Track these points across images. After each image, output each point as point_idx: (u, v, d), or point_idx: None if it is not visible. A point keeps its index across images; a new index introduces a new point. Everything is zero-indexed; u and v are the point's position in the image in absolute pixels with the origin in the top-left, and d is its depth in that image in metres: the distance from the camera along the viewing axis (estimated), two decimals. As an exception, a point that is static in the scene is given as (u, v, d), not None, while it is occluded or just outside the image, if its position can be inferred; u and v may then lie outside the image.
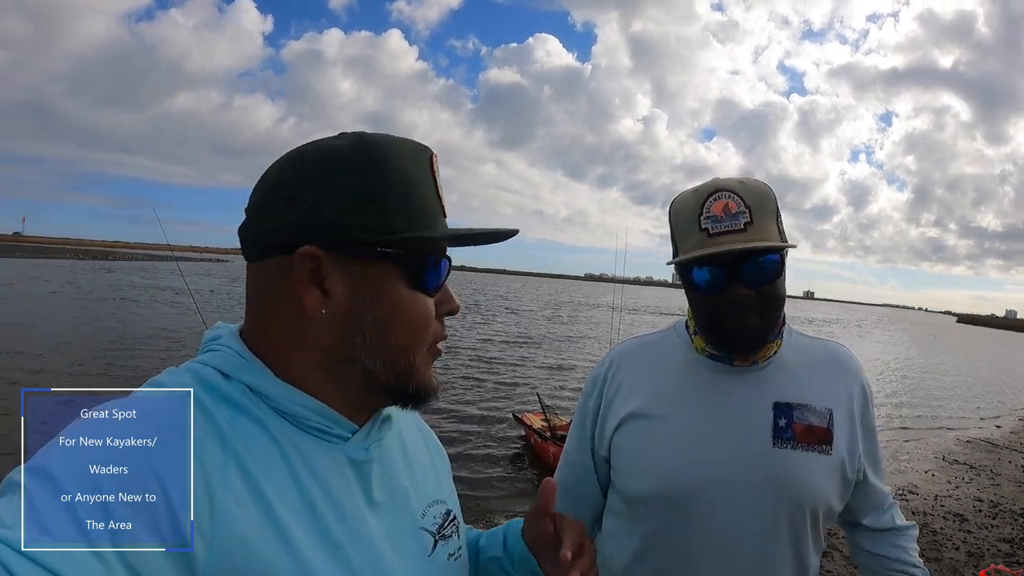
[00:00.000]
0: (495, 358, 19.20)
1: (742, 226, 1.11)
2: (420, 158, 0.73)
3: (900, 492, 8.20)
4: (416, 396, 0.74)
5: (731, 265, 1.12)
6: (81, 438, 0.57)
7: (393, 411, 0.81)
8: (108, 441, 0.57)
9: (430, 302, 0.73)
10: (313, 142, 0.73)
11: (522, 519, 0.94)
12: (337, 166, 0.69)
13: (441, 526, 0.82)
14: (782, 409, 1.18)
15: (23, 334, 15.95)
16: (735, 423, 1.18)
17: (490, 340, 23.92)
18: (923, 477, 9.22)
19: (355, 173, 0.69)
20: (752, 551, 1.15)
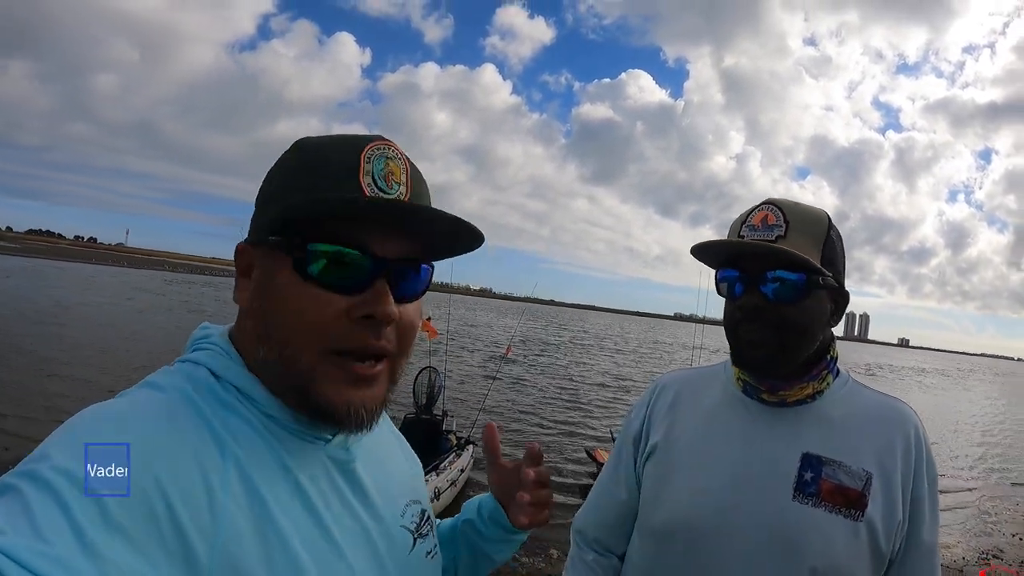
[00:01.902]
0: (575, 393, 19.24)
1: (773, 237, 1.09)
2: (347, 150, 0.70)
3: (983, 556, 7.77)
4: (324, 412, 0.67)
5: (753, 271, 1.10)
6: (77, 440, 0.55)
7: None
8: (105, 443, 0.55)
9: (330, 298, 0.66)
10: None
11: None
12: (270, 170, 0.74)
13: (419, 525, 0.83)
14: (811, 462, 1.09)
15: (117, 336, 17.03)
16: (757, 467, 1.12)
17: (571, 375, 23.93)
18: (1010, 540, 8.69)
19: (275, 173, 0.73)
20: None
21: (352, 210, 0.67)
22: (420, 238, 0.72)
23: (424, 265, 0.75)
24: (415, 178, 0.73)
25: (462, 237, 0.75)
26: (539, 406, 15.43)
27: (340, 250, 0.67)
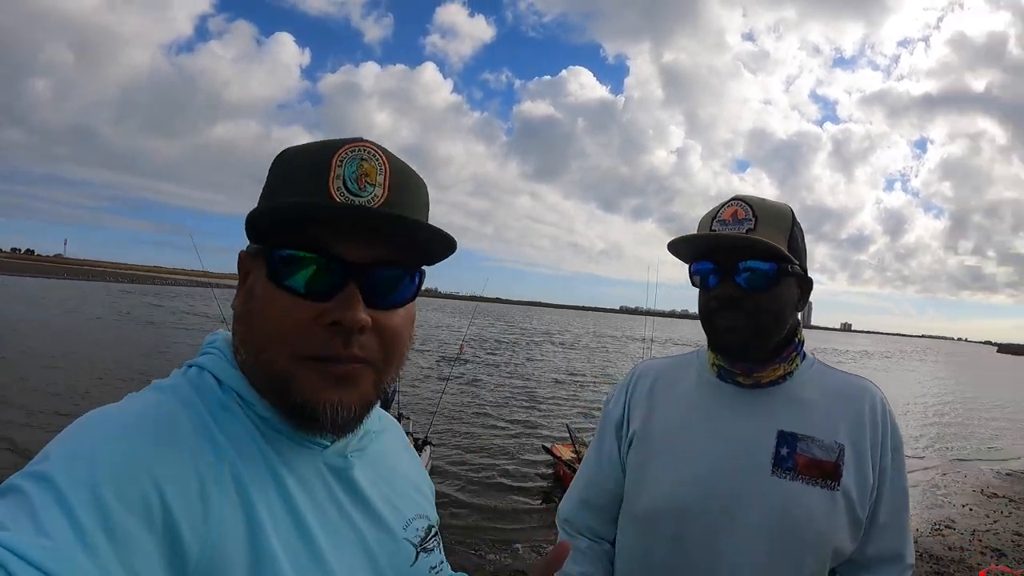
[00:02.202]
0: (526, 389, 19.24)
1: (744, 231, 1.15)
2: (319, 156, 0.69)
3: (936, 527, 8.03)
4: (303, 411, 0.67)
5: (725, 263, 1.16)
6: (80, 441, 0.57)
7: (377, 427, 0.83)
8: (106, 443, 0.57)
9: (296, 302, 0.66)
10: None
11: None
12: (269, 177, 0.74)
13: (424, 539, 0.82)
14: (786, 438, 1.16)
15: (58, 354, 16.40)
16: (736, 446, 1.18)
17: (521, 372, 23.98)
18: (960, 511, 9.01)
19: (264, 184, 0.74)
20: (754, 572, 1.14)
21: (309, 214, 0.66)
22: (400, 242, 0.70)
23: (413, 271, 0.74)
24: (396, 180, 0.71)
25: (434, 242, 0.72)
26: (494, 406, 15.30)
27: (302, 255, 0.67)
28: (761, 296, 1.15)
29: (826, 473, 1.15)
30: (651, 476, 1.24)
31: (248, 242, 0.73)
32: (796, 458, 1.15)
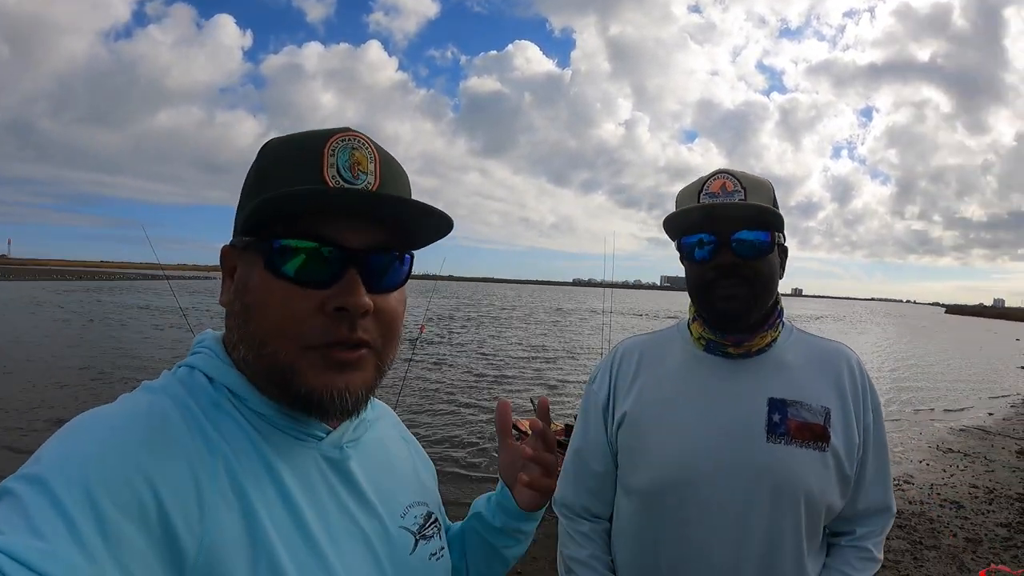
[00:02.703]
0: (487, 364, 19.18)
1: (736, 202, 1.19)
2: (310, 145, 0.70)
3: (896, 482, 8.15)
4: (308, 400, 0.68)
5: (721, 233, 1.19)
6: (72, 443, 0.57)
7: (371, 415, 0.84)
8: (99, 444, 0.57)
9: (298, 292, 0.67)
10: None
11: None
12: (255, 167, 0.74)
13: (422, 527, 0.83)
14: (776, 405, 1.20)
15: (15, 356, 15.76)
16: (730, 417, 1.21)
17: (481, 347, 23.89)
18: (918, 467, 9.24)
19: (248, 176, 0.75)
20: (754, 541, 1.17)
21: (315, 203, 0.67)
22: (392, 227, 0.72)
23: (405, 254, 0.75)
24: (386, 168, 0.73)
25: (433, 223, 0.74)
26: (460, 386, 15.09)
27: (304, 244, 0.67)
28: (757, 263, 1.19)
29: (816, 435, 1.19)
30: (646, 454, 1.26)
31: (233, 236, 0.74)
32: (788, 423, 1.19)
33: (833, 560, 1.27)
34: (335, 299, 0.67)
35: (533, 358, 21.23)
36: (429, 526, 0.84)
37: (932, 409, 14.53)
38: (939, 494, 7.80)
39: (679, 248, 1.28)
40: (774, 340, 1.26)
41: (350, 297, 0.67)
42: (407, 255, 0.76)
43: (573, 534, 1.38)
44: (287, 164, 0.70)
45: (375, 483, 0.79)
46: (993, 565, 4.65)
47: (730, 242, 1.18)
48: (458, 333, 29.35)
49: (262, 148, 0.74)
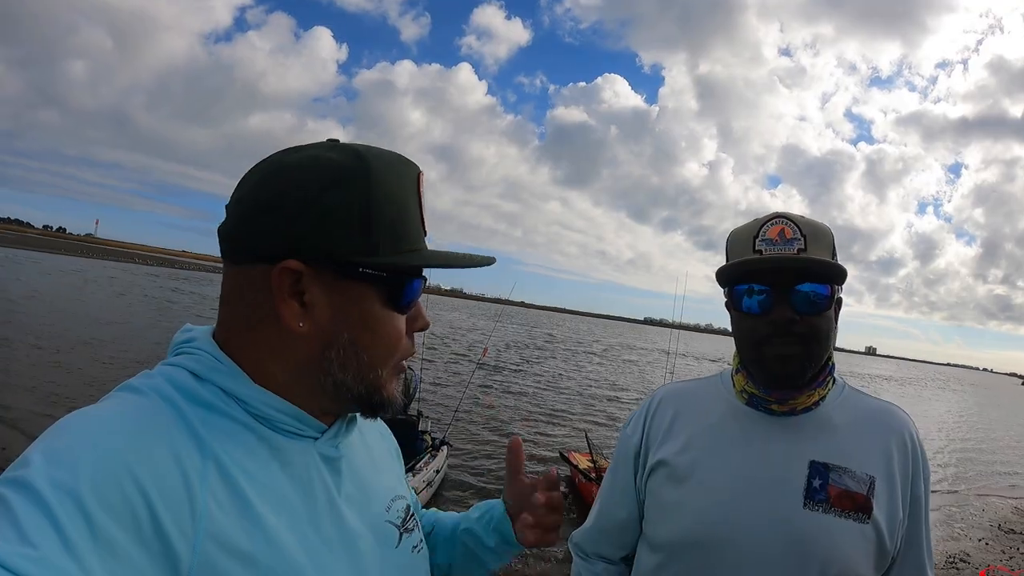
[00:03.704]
0: (547, 396, 19.19)
1: (795, 251, 1.10)
2: (408, 173, 0.74)
3: (951, 560, 7.99)
4: (380, 406, 0.75)
5: (779, 286, 1.11)
6: (59, 445, 0.56)
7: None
8: (87, 447, 0.56)
9: (402, 320, 0.75)
10: (303, 149, 0.73)
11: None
12: (326, 180, 0.68)
13: (404, 520, 0.84)
14: (818, 469, 1.12)
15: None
16: (768, 478, 1.14)
17: (542, 379, 23.79)
18: (976, 545, 8.94)
19: (345, 190, 0.68)
20: None
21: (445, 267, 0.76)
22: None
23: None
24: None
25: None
26: (517, 412, 15.21)
27: (419, 281, 0.75)
28: (816, 320, 1.11)
29: (858, 505, 1.11)
30: (676, 506, 1.20)
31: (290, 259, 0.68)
32: (828, 490, 1.11)
33: None
34: (418, 320, 0.78)
35: (593, 395, 21.20)
36: (409, 519, 0.85)
37: (997, 487, 13.92)
38: (995, 576, 7.58)
39: (729, 295, 1.19)
40: (822, 398, 1.17)
41: (424, 320, 0.79)
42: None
43: (587, 574, 1.37)
44: (402, 203, 0.73)
45: (363, 478, 0.80)
46: (992, 565, 4.56)
47: (789, 296, 1.10)
48: (526, 362, 29.33)
49: (368, 167, 0.70)
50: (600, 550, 1.38)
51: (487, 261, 0.79)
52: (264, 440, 0.68)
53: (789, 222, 1.13)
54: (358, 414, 0.80)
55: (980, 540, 9.25)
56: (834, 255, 1.16)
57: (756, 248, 1.13)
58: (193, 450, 0.61)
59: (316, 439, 0.74)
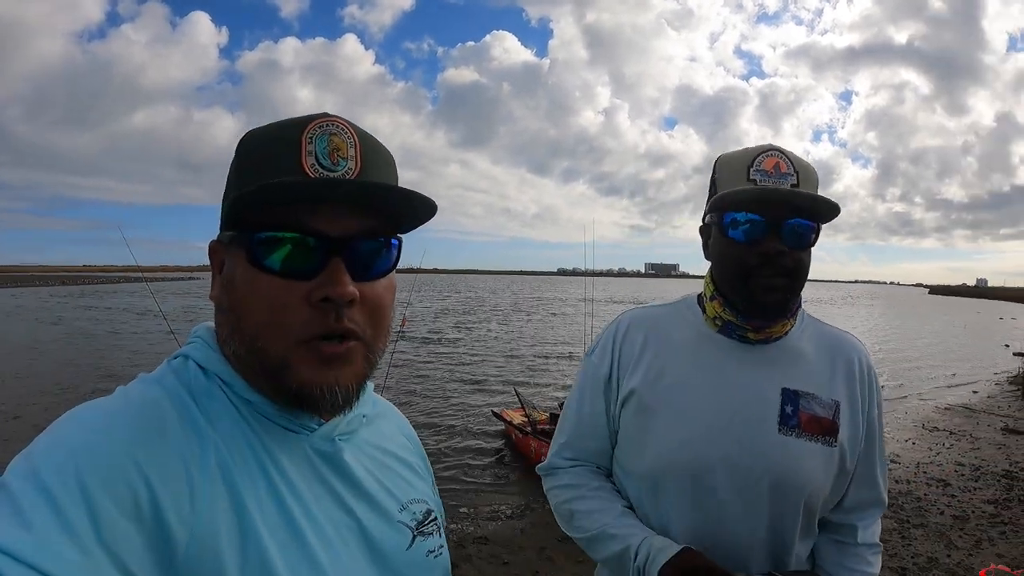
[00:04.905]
0: (471, 355, 19.15)
1: (789, 186, 1.13)
2: (287, 134, 0.69)
3: (883, 462, 8.25)
4: (300, 396, 0.68)
5: (773, 218, 1.12)
6: (64, 435, 0.57)
7: (370, 411, 0.83)
8: (90, 435, 0.57)
9: (283, 284, 0.66)
10: None
11: None
12: (235, 159, 0.72)
13: (421, 523, 0.82)
14: (789, 396, 1.18)
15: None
16: (743, 405, 1.18)
17: (465, 338, 23.93)
18: (904, 446, 9.28)
19: (229, 171, 0.73)
20: (757, 531, 1.16)
21: (291, 193, 0.66)
22: (377, 213, 0.71)
23: (391, 240, 0.73)
24: (368, 151, 0.71)
25: (417, 207, 0.72)
26: (444, 382, 14.86)
27: (282, 235, 0.66)
28: (802, 254, 1.15)
29: (825, 429, 1.18)
30: (655, 434, 1.21)
31: (218, 231, 0.73)
32: (799, 415, 1.17)
33: (848, 560, 1.24)
34: (320, 289, 0.66)
35: (515, 353, 21.16)
36: (428, 523, 0.83)
37: (917, 388, 14.65)
38: (925, 472, 7.83)
39: (717, 220, 1.19)
40: (791, 329, 1.23)
41: (334, 287, 0.66)
42: (394, 240, 0.74)
43: (564, 479, 1.31)
44: (265, 155, 0.69)
45: (371, 477, 0.78)
46: (993, 565, 4.62)
47: (780, 228, 1.12)
48: (442, 327, 29.15)
49: (241, 140, 0.73)
50: (577, 455, 1.35)
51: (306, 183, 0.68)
52: (259, 432, 0.68)
53: (783, 156, 1.15)
54: (370, 413, 0.82)
55: (907, 440, 9.62)
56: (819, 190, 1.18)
57: (751, 177, 1.15)
58: (195, 441, 0.62)
59: (312, 432, 0.72)
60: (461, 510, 6.81)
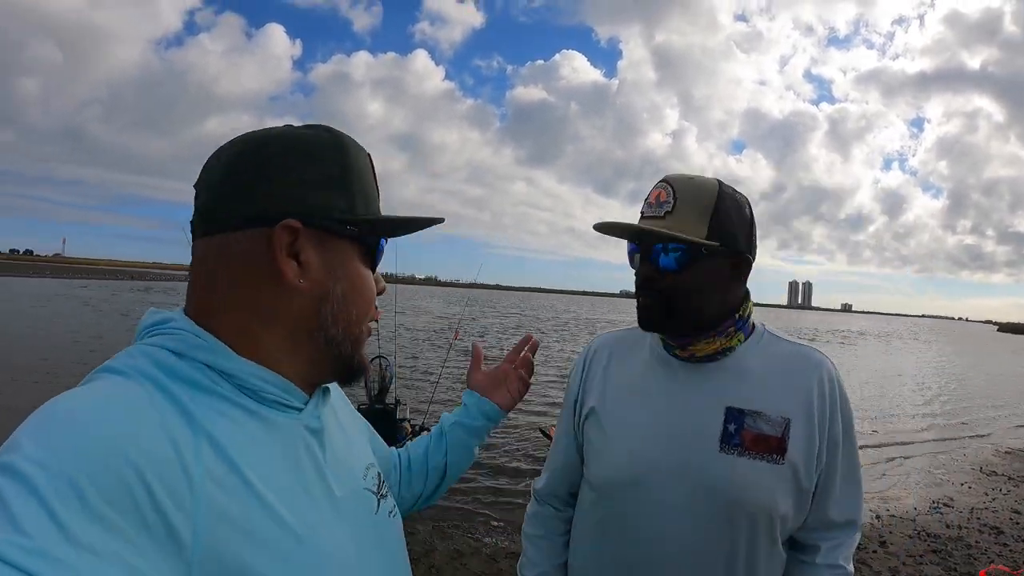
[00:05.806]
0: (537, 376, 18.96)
1: (662, 214, 1.20)
2: (365, 153, 0.82)
3: (935, 505, 8.02)
4: (356, 370, 0.81)
5: (644, 245, 1.23)
6: (49, 428, 0.55)
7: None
8: (78, 429, 0.54)
9: (371, 279, 0.82)
10: (277, 128, 0.77)
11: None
12: (311, 151, 0.75)
13: (378, 486, 0.88)
14: (733, 415, 1.20)
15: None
16: (685, 424, 1.22)
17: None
18: (959, 489, 8.97)
19: (327, 159, 0.75)
20: (703, 548, 1.18)
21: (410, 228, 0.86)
22: None
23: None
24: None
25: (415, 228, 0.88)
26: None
27: (384, 243, 0.83)
28: (674, 276, 1.20)
29: (772, 448, 1.18)
30: (603, 450, 1.30)
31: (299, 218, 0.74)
32: (743, 434, 1.19)
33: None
34: (380, 283, 0.85)
35: (555, 361, 21.14)
36: (382, 485, 0.89)
37: (977, 430, 14.11)
38: (979, 519, 7.56)
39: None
40: (729, 348, 1.25)
41: (382, 284, 0.86)
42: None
43: (533, 516, 1.50)
44: (368, 175, 0.81)
45: (341, 448, 0.83)
46: (993, 565, 4.58)
47: (648, 254, 1.21)
48: (500, 340, 29.29)
49: (341, 140, 0.79)
50: (554, 491, 1.48)
51: (437, 220, 0.87)
52: (253, 413, 0.69)
53: (667, 186, 1.21)
54: (330, 385, 0.85)
55: (963, 484, 9.29)
56: (716, 214, 1.19)
57: (641, 210, 1.26)
58: (184, 427, 0.62)
59: (301, 410, 0.76)
60: (494, 523, 6.83)
